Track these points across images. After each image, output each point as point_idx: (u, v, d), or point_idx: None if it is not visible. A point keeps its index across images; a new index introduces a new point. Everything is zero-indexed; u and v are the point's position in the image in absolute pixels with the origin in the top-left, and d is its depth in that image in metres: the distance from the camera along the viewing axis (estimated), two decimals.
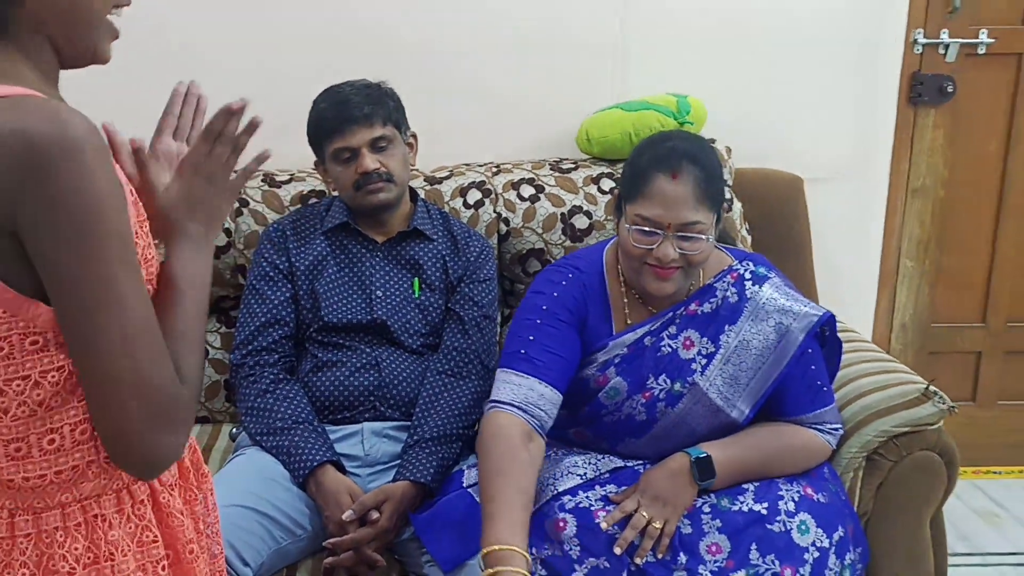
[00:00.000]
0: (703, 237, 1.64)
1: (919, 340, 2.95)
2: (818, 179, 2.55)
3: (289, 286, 1.98)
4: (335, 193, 2.06)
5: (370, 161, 1.92)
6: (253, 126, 1.08)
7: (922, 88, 2.71)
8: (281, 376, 1.93)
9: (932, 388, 1.84)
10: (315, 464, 1.77)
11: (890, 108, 2.69)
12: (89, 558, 0.98)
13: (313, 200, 2.18)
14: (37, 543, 0.98)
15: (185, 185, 1.07)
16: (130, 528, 1.01)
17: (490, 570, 1.45)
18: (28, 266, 0.89)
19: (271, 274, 1.99)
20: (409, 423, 1.90)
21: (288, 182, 2.24)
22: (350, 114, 1.91)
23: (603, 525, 1.62)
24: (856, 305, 2.77)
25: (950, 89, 2.71)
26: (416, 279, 2.00)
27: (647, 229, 1.64)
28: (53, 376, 0.94)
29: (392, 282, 2.00)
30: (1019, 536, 2.74)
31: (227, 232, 2.16)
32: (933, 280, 2.91)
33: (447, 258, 2.02)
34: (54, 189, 0.85)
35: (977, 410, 3.08)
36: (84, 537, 0.98)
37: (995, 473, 3.09)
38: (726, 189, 1.73)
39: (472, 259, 2.03)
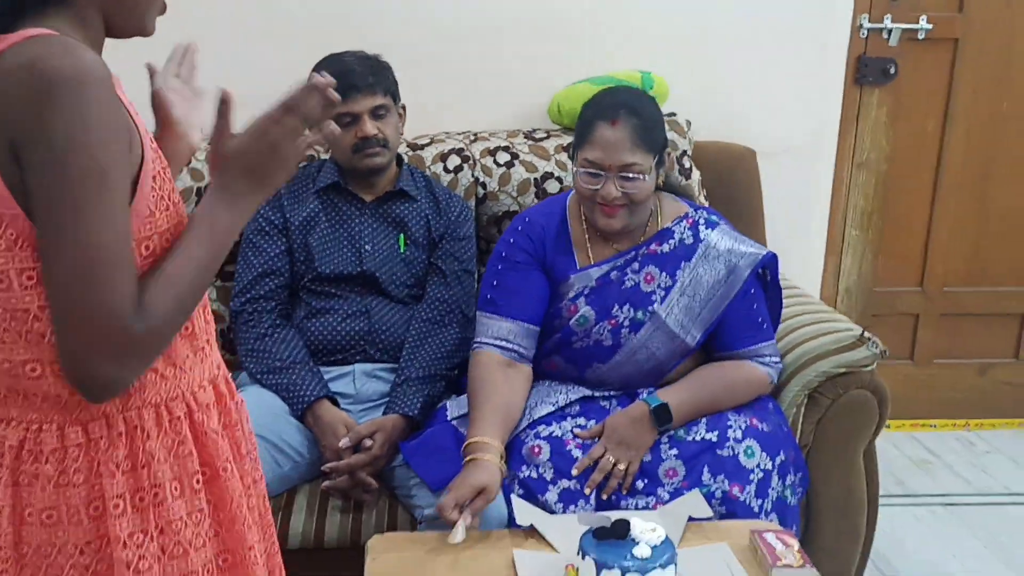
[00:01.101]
0: (641, 177, 1.86)
1: (862, 303, 3.17)
2: (771, 152, 2.73)
3: (284, 240, 2.14)
4: (325, 156, 2.22)
5: (370, 127, 2.07)
6: (332, 104, 1.11)
7: (867, 69, 2.92)
8: (278, 321, 2.09)
9: (867, 334, 2.05)
10: (312, 399, 1.95)
11: (837, 87, 2.88)
12: (128, 465, 1.07)
13: (302, 163, 2.33)
14: (87, 450, 1.06)
15: (249, 145, 1.10)
16: (167, 441, 1.09)
17: (468, 457, 1.73)
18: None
19: (266, 228, 2.13)
20: (396, 365, 2.08)
21: None
22: (355, 82, 2.03)
23: (574, 472, 1.83)
24: (805, 270, 2.97)
25: (892, 71, 2.92)
26: (401, 235, 2.17)
27: (592, 171, 1.87)
28: None
29: (379, 238, 2.16)
30: (948, 480, 2.99)
31: None
32: (876, 248, 3.13)
33: (430, 217, 2.18)
34: (50, 114, 0.93)
35: (915, 368, 3.32)
36: (125, 446, 1.07)
37: (930, 426, 3.34)
38: (666, 134, 1.96)
39: (452, 218, 2.20)
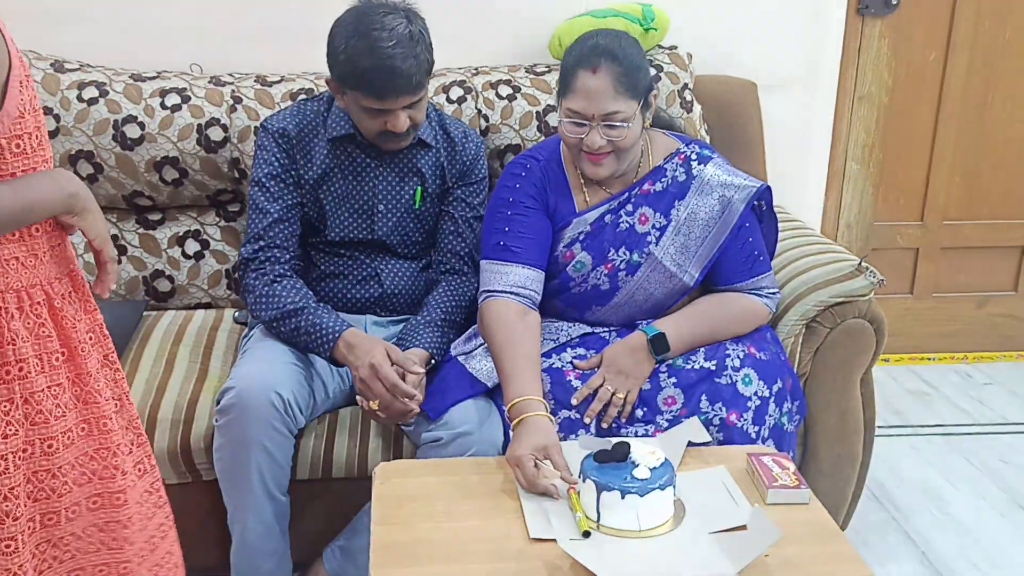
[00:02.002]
0: (626, 125, 1.84)
1: (862, 237, 3.18)
2: (771, 85, 2.73)
3: (297, 193, 2.03)
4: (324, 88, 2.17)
5: (404, 121, 1.91)
6: None
7: (869, 0, 2.90)
8: (288, 272, 1.99)
9: (864, 264, 2.06)
10: (341, 330, 1.87)
11: (839, 19, 2.85)
12: None
13: (303, 97, 2.31)
14: None
15: None
16: (28, 323, 1.23)
17: (517, 419, 1.70)
18: None
19: (281, 174, 2.01)
20: (406, 317, 2.08)
21: (279, 82, 2.40)
22: (397, 83, 1.84)
23: (573, 401, 1.86)
24: (805, 204, 2.97)
25: (894, 1, 2.90)
26: (419, 188, 2.06)
27: (576, 121, 1.85)
28: None
29: (395, 194, 2.06)
30: (945, 411, 3.03)
31: (223, 127, 2.32)
32: (876, 182, 3.13)
33: (445, 163, 2.08)
34: None
35: (914, 302, 3.35)
36: None
37: (928, 359, 3.37)
38: (651, 77, 1.91)
39: (468, 160, 2.10)
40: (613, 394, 1.84)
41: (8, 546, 1.23)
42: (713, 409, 1.83)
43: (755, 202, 1.95)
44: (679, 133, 2.11)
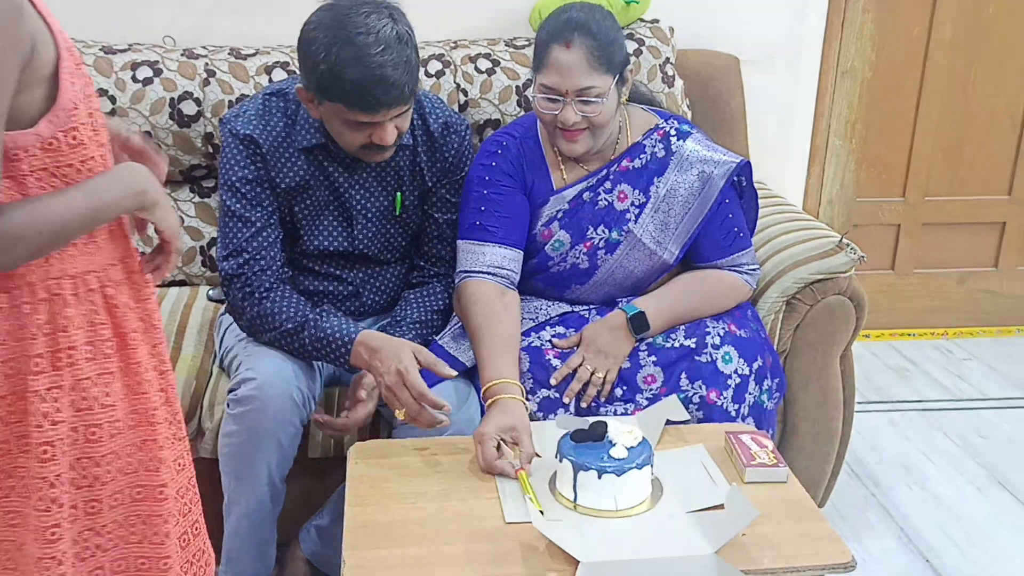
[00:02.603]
0: (600, 100, 1.80)
1: (844, 214, 3.17)
2: (755, 60, 2.70)
3: (274, 197, 1.85)
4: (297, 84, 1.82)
5: (391, 134, 1.73)
6: None
7: None
8: (275, 283, 1.82)
9: (845, 240, 2.05)
10: (354, 335, 1.72)
11: None
12: (49, 328, 1.18)
13: (268, 89, 1.91)
14: (9, 315, 1.17)
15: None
16: (82, 310, 1.21)
17: (490, 400, 1.68)
18: None
19: (256, 179, 1.82)
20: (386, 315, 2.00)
21: (254, 55, 2.35)
22: (389, 95, 1.66)
23: (552, 381, 1.84)
24: (787, 180, 2.97)
25: None
26: (399, 194, 1.92)
27: (550, 96, 1.82)
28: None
29: (373, 202, 1.91)
30: (925, 387, 3.04)
31: (196, 101, 2.27)
32: (859, 158, 3.12)
33: (425, 163, 1.92)
34: None
35: (895, 278, 3.35)
36: (46, 312, 1.18)
37: (909, 335, 3.38)
38: (627, 51, 1.86)
39: (450, 157, 1.94)
40: (592, 373, 1.83)
41: (53, 533, 1.22)
42: (693, 387, 1.81)
43: (735, 178, 1.93)
44: (658, 108, 2.08)
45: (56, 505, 1.21)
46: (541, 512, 1.43)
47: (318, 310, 1.78)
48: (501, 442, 1.59)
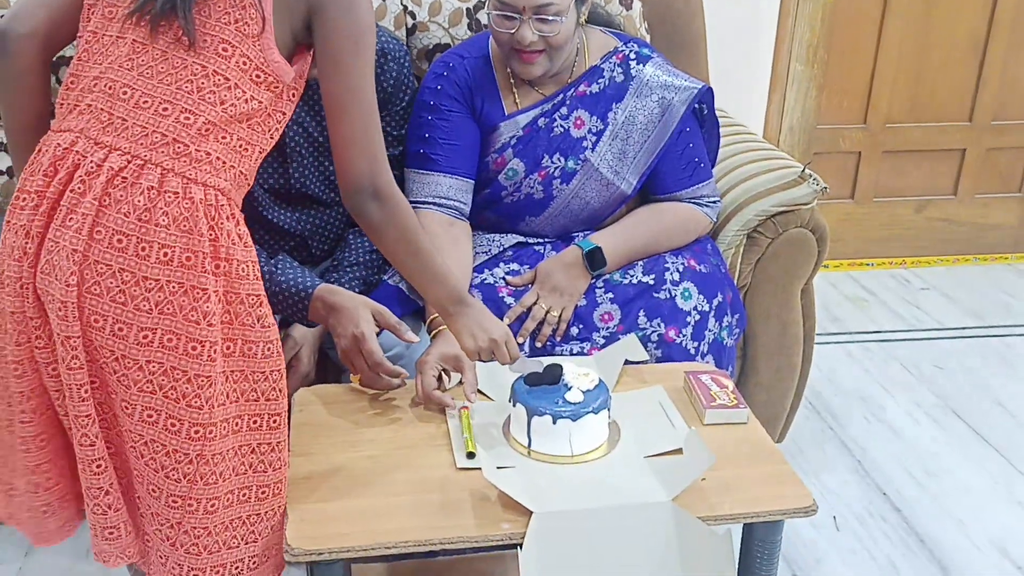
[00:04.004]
0: (559, 19, 1.70)
1: (805, 141, 3.11)
2: None
3: None
4: None
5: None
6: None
7: None
8: None
9: (808, 171, 1.99)
10: (313, 287, 1.60)
11: None
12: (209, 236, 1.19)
13: None
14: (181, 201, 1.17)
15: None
16: (241, 230, 1.23)
17: (435, 331, 1.62)
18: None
19: None
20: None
21: None
22: None
23: (506, 320, 1.76)
24: (747, 107, 2.91)
25: None
26: None
27: (505, 13, 1.72)
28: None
29: (306, 137, 1.80)
30: (882, 317, 3.02)
31: None
32: (820, 84, 3.05)
33: None
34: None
35: (855, 207, 3.31)
36: (209, 218, 1.19)
37: (867, 265, 3.36)
38: None
39: (389, 88, 1.83)
40: (547, 312, 1.76)
41: (212, 505, 1.24)
42: (651, 325, 1.75)
43: (696, 105, 1.85)
44: (617, 31, 1.98)
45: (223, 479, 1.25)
46: (471, 454, 1.39)
47: (274, 260, 1.66)
48: (443, 372, 1.53)
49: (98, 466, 1.24)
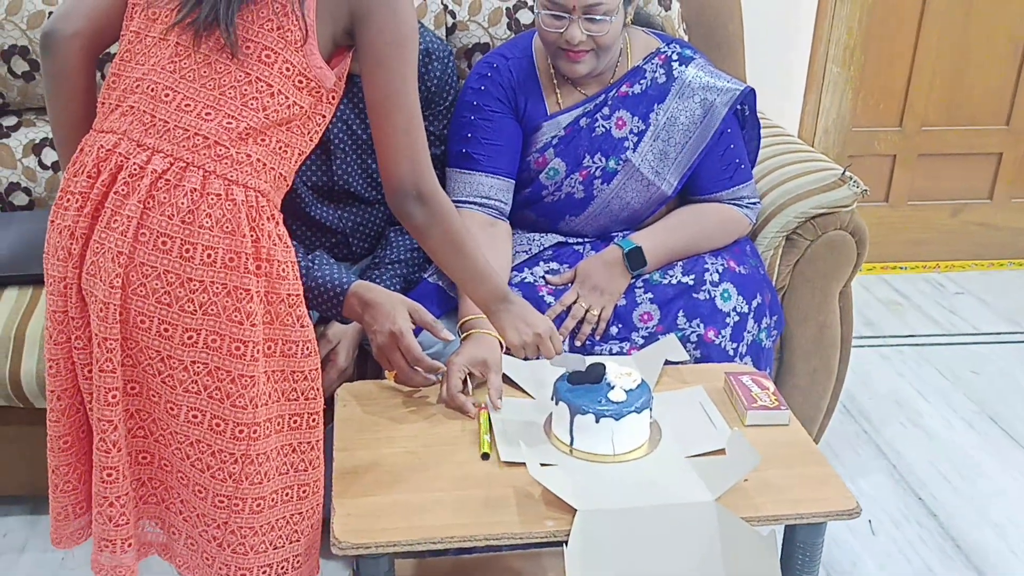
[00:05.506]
0: (608, 19, 1.71)
1: (840, 143, 3.10)
2: None
3: None
4: None
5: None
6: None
7: None
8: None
9: (848, 173, 1.98)
10: (349, 283, 1.59)
11: None
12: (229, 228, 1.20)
13: None
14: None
15: None
16: (280, 231, 1.24)
17: (465, 333, 1.62)
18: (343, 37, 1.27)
19: None
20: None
21: None
22: None
23: (548, 316, 1.77)
24: (783, 109, 2.90)
25: None
26: None
27: (555, 13, 1.72)
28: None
29: (350, 134, 1.81)
30: (917, 321, 3.00)
31: None
32: (856, 86, 3.03)
33: None
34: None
35: (889, 210, 3.29)
36: (251, 220, 1.21)
37: (901, 268, 3.34)
38: None
39: (432, 87, 1.84)
40: (587, 311, 1.77)
41: (258, 504, 1.25)
42: (691, 326, 1.76)
43: (738, 106, 1.85)
44: (659, 32, 1.99)
45: (267, 480, 1.26)
46: (486, 455, 1.40)
47: (311, 256, 1.67)
48: (468, 375, 1.53)
49: (108, 474, 1.24)
